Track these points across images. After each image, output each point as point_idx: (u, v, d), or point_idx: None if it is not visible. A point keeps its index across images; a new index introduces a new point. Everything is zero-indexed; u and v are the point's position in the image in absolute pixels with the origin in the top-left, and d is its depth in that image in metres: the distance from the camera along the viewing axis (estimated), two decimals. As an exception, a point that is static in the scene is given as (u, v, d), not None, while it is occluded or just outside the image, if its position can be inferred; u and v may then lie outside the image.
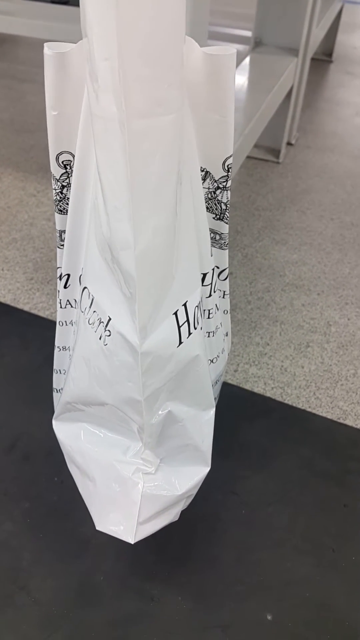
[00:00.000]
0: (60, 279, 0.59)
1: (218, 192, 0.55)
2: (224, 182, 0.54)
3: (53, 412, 0.66)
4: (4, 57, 2.28)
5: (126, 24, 0.37)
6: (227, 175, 0.54)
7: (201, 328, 0.56)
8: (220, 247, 0.60)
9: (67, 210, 0.55)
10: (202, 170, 0.53)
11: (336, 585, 0.70)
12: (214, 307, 0.61)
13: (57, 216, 0.57)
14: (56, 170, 0.53)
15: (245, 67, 1.40)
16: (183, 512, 0.61)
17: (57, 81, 0.47)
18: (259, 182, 1.53)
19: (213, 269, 0.58)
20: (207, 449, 0.60)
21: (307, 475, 0.81)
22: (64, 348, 0.65)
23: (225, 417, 0.86)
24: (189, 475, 0.59)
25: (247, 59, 1.43)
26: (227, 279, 0.63)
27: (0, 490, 0.77)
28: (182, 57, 0.42)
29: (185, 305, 0.52)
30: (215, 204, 0.56)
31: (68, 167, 0.53)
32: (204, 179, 0.53)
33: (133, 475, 0.57)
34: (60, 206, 0.56)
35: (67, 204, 0.54)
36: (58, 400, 0.66)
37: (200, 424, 0.59)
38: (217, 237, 0.59)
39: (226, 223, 0.58)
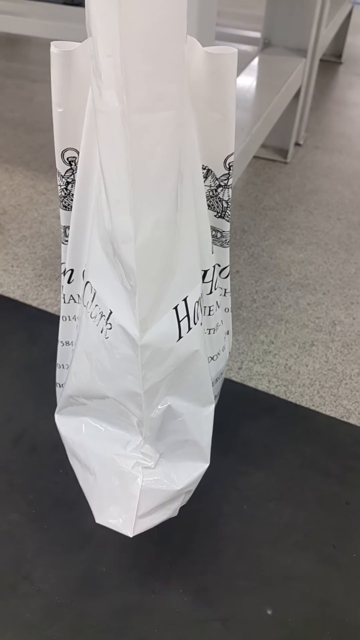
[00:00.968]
0: (64, 274, 0.60)
1: (219, 190, 0.55)
2: (225, 180, 0.55)
3: (57, 406, 0.67)
4: (16, 58, 2.30)
5: (128, 21, 0.38)
6: (229, 173, 0.54)
7: (201, 324, 0.57)
8: (222, 245, 0.60)
9: (71, 207, 0.55)
10: (204, 169, 0.54)
11: (336, 581, 0.70)
12: (214, 304, 0.61)
13: (62, 212, 0.57)
14: (61, 167, 0.54)
15: (253, 68, 1.41)
16: (185, 506, 0.62)
17: (63, 79, 0.48)
18: (267, 182, 1.53)
19: (214, 267, 0.59)
20: (206, 445, 0.60)
21: (310, 473, 0.82)
22: (67, 343, 0.65)
23: (229, 414, 0.86)
24: (188, 470, 0.59)
25: (256, 60, 1.44)
26: (229, 277, 0.64)
27: (6, 481, 0.78)
28: (183, 55, 0.43)
29: (185, 300, 0.53)
30: (217, 202, 0.57)
31: (73, 163, 0.53)
32: (205, 177, 0.54)
33: (133, 469, 0.57)
34: (65, 202, 0.56)
35: (72, 200, 0.55)
36: (61, 394, 0.67)
37: (200, 419, 0.60)
38: (219, 234, 0.59)
39: (227, 221, 0.58)
